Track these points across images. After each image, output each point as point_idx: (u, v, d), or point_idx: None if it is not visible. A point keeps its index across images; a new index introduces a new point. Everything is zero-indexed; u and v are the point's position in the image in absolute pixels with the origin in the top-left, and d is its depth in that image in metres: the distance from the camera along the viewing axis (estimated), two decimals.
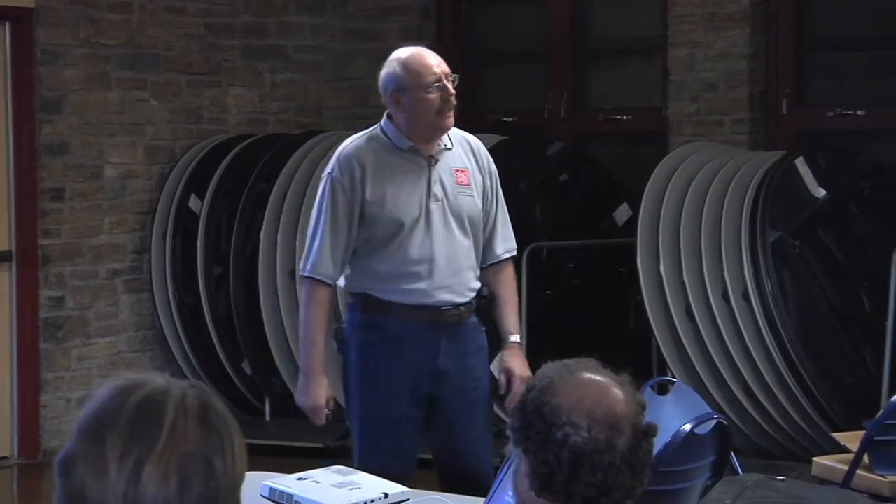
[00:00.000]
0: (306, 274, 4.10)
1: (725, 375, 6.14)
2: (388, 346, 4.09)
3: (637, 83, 7.73)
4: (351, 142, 4.16)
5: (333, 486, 3.38)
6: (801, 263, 6.28)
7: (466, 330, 4.16)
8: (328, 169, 4.13)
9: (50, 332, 6.99)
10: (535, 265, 6.70)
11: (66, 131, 6.99)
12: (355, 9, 7.96)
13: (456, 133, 4.20)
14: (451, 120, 4.10)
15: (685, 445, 3.46)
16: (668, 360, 6.26)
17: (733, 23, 6.96)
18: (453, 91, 4.07)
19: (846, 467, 4.40)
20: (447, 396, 4.13)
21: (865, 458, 4.39)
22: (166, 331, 7.33)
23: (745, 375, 6.10)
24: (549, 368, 2.19)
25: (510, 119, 7.63)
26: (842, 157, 6.73)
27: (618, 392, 2.14)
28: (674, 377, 5.68)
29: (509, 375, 4.19)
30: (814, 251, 6.34)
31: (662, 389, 4.30)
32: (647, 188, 6.42)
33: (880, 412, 4.47)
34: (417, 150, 4.10)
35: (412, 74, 4.07)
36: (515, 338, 4.24)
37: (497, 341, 4.32)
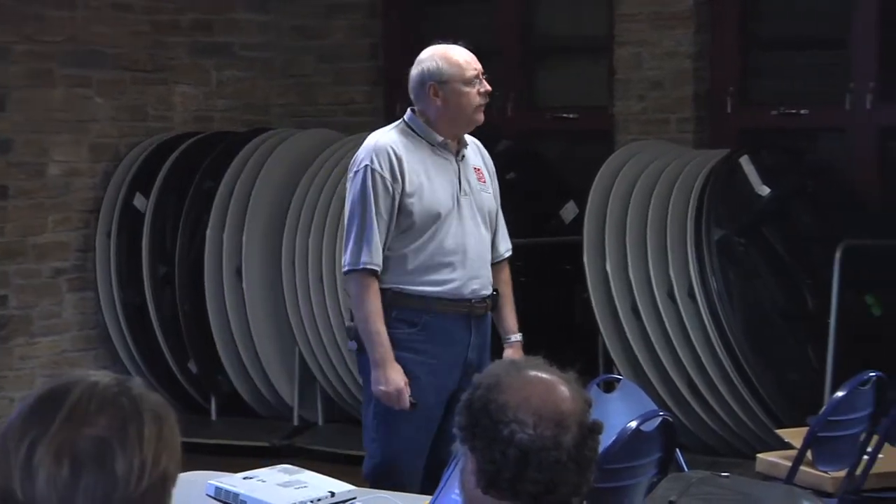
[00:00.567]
0: (359, 267, 4.09)
1: (671, 373, 6.17)
2: (422, 340, 4.15)
3: (584, 82, 7.75)
4: (382, 134, 4.22)
5: (279, 484, 3.37)
6: (745, 261, 6.32)
7: (487, 323, 4.31)
8: (363, 160, 4.15)
9: None
10: None
11: (9, 129, 6.92)
12: (302, 6, 7.93)
13: (466, 135, 4.32)
14: (483, 116, 4.25)
15: (631, 442, 3.48)
16: (614, 357, 6.28)
17: (678, 22, 7.00)
18: (490, 88, 4.23)
19: (790, 463, 4.44)
20: None
21: (809, 455, 4.43)
22: (111, 330, 7.28)
23: (691, 373, 6.14)
24: (497, 366, 2.20)
25: None
26: (786, 156, 6.78)
27: (564, 389, 2.15)
28: (620, 375, 5.71)
29: None
30: (758, 249, 6.39)
31: (609, 387, 4.33)
32: (593, 186, 6.45)
33: (823, 409, 4.51)
34: (447, 145, 4.21)
35: (455, 67, 4.19)
36: (518, 336, 4.40)
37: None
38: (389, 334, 4.14)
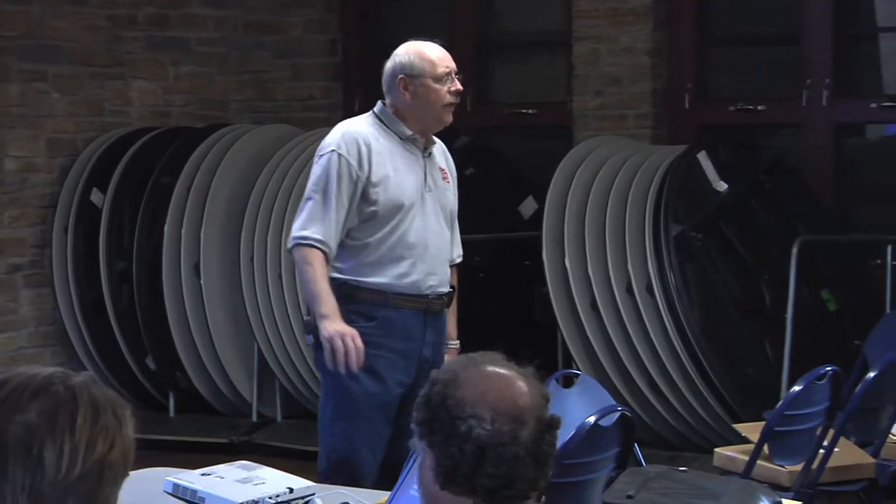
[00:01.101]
0: (306, 242, 4.06)
1: (629, 368, 6.20)
2: (379, 334, 4.13)
3: (541, 78, 7.77)
4: (352, 122, 4.22)
5: (238, 481, 3.36)
6: (703, 256, 6.35)
7: (443, 321, 4.30)
8: (330, 145, 4.15)
9: None
10: None
11: None
12: (258, 1, 7.91)
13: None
14: (451, 116, 4.24)
15: (589, 437, 3.49)
16: (573, 352, 6.30)
17: (636, 18, 7.03)
18: (461, 87, 4.22)
19: (747, 458, 4.46)
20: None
21: (766, 449, 4.45)
22: (68, 326, 7.24)
23: (649, 368, 6.16)
24: (454, 362, 2.20)
25: None
26: (743, 152, 6.81)
27: (522, 384, 2.15)
28: (579, 370, 5.73)
29: None
30: (716, 244, 6.42)
31: (567, 382, 4.34)
32: (552, 182, 6.46)
33: (780, 403, 4.53)
34: (416, 139, 4.21)
35: (426, 63, 4.18)
36: (456, 343, 4.39)
37: None
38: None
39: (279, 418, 7.03)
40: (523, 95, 7.66)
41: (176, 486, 3.33)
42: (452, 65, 4.23)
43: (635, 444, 3.78)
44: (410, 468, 2.85)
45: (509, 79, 7.89)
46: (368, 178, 4.11)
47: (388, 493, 3.04)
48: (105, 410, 1.64)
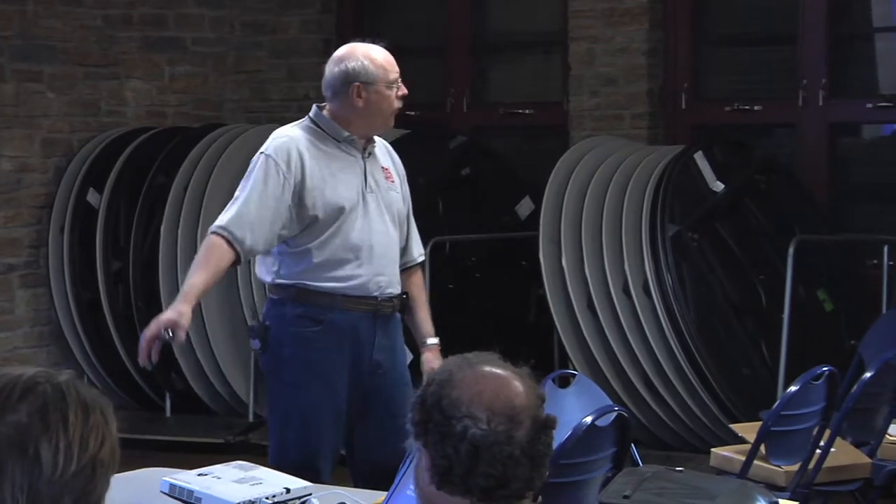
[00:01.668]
0: (219, 231, 4.03)
1: (626, 368, 6.20)
2: (327, 338, 4.08)
3: (537, 78, 7.77)
4: (286, 129, 4.18)
5: (235, 481, 3.36)
6: (699, 257, 6.35)
7: (395, 324, 4.23)
8: (263, 149, 4.11)
9: None
10: (437, 259, 6.70)
11: None
12: (254, 1, 7.91)
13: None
14: (394, 120, 4.20)
15: (586, 437, 3.49)
16: (569, 352, 6.30)
17: (632, 18, 7.03)
18: (406, 91, 4.17)
19: (743, 458, 4.46)
20: (384, 390, 4.14)
21: (762, 449, 4.46)
22: (64, 326, 7.23)
23: (646, 368, 6.16)
24: (450, 362, 2.20)
25: (413, 113, 7.61)
26: (739, 152, 6.81)
27: (517, 384, 2.15)
28: (575, 370, 5.72)
29: None
30: (712, 245, 6.42)
31: (564, 382, 4.34)
32: (549, 182, 6.46)
33: (776, 403, 4.54)
34: (353, 140, 4.15)
35: (380, 70, 4.13)
36: (435, 340, 4.32)
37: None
38: (295, 332, 4.08)
39: None
40: (519, 95, 7.66)
41: (172, 486, 3.33)
42: (398, 69, 4.18)
43: (632, 445, 3.78)
44: (407, 468, 2.85)
45: (505, 79, 7.90)
46: (303, 183, 4.05)
47: (385, 493, 3.04)
48: (94, 409, 1.65)
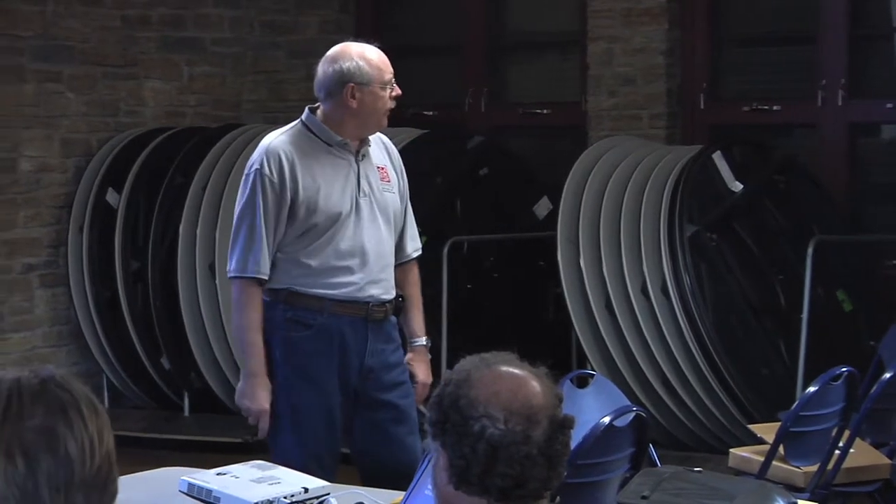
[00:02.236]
0: (240, 274, 4.02)
1: (644, 368, 6.19)
2: (317, 342, 4.05)
3: (555, 77, 7.77)
4: (275, 136, 4.10)
5: (253, 480, 3.36)
6: (717, 257, 6.34)
7: (388, 328, 4.17)
8: (253, 164, 4.05)
9: None
10: (455, 259, 6.71)
11: None
12: (273, 1, 7.92)
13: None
14: (387, 121, 4.13)
15: (604, 438, 3.48)
16: (587, 353, 6.29)
17: (650, 18, 7.02)
18: (399, 92, 4.10)
19: (762, 458, 4.46)
20: (374, 393, 4.12)
21: (781, 450, 4.45)
22: (83, 326, 7.25)
23: (664, 368, 6.16)
24: (467, 362, 2.20)
25: (430, 113, 7.64)
26: (757, 152, 6.80)
27: (534, 384, 2.15)
28: (593, 370, 5.72)
29: (413, 380, 4.21)
30: (730, 245, 6.41)
31: (582, 382, 4.33)
32: (567, 182, 6.46)
33: (795, 404, 4.52)
34: (346, 144, 4.08)
35: (375, 70, 4.06)
36: (422, 341, 4.27)
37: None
38: (285, 336, 4.06)
39: None
40: (537, 95, 7.66)
41: (191, 485, 3.33)
42: (391, 69, 4.12)
43: (650, 445, 3.77)
44: (425, 468, 2.85)
45: (523, 79, 7.89)
46: (296, 193, 4.00)
47: (403, 493, 3.05)
48: (95, 402, 1.67)
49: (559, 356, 6.51)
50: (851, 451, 4.54)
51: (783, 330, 6.33)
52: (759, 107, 7.03)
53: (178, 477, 3.38)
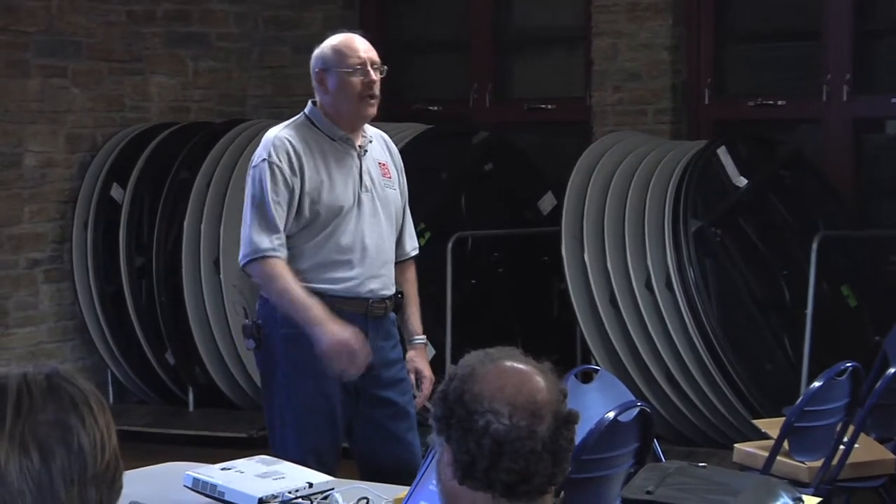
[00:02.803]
0: (252, 256, 3.96)
1: (648, 363, 6.19)
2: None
3: (560, 73, 7.76)
4: (280, 129, 4.10)
5: (257, 475, 3.36)
6: (722, 252, 6.34)
7: (388, 324, 4.16)
8: (261, 155, 4.04)
9: None
10: (459, 254, 6.71)
11: None
12: None
13: (373, 129, 4.20)
14: (373, 109, 4.09)
15: (608, 433, 3.48)
16: (591, 348, 6.29)
17: (655, 13, 7.02)
18: (375, 78, 4.05)
19: (766, 454, 4.46)
20: (374, 390, 4.12)
21: (785, 445, 4.45)
22: (88, 321, 7.26)
23: (668, 363, 6.16)
24: (471, 357, 2.20)
25: (435, 108, 7.64)
26: (762, 147, 6.80)
27: (539, 379, 2.15)
28: (597, 365, 5.73)
29: (419, 376, 4.20)
30: (735, 240, 6.41)
31: (586, 377, 4.33)
32: (571, 177, 6.46)
33: (799, 399, 4.52)
34: (348, 139, 4.08)
35: (337, 55, 4.06)
36: (422, 339, 4.26)
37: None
38: (285, 333, 4.03)
39: None
40: (542, 91, 7.66)
41: (196, 480, 3.33)
42: (369, 55, 4.06)
43: (654, 440, 3.77)
44: (429, 463, 2.86)
45: (528, 74, 7.89)
46: (302, 184, 4.00)
47: (407, 487, 3.05)
48: (100, 397, 1.67)
49: (563, 351, 6.50)
50: (856, 446, 4.53)
51: (788, 325, 6.32)
52: (764, 102, 7.02)
53: (182, 472, 3.38)
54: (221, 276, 6.83)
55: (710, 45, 7.15)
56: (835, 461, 4.48)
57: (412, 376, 4.20)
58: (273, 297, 4.02)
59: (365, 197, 4.08)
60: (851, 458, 4.52)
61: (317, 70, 4.07)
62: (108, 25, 7.37)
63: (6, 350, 7.04)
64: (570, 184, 6.44)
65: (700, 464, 3.42)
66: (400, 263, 4.23)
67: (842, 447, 4.49)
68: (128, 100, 7.51)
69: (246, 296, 6.44)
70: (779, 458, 4.43)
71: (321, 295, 4.03)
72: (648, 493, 3.18)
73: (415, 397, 4.21)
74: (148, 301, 7.11)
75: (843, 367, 4.40)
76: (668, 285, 6.14)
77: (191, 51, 7.73)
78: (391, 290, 4.14)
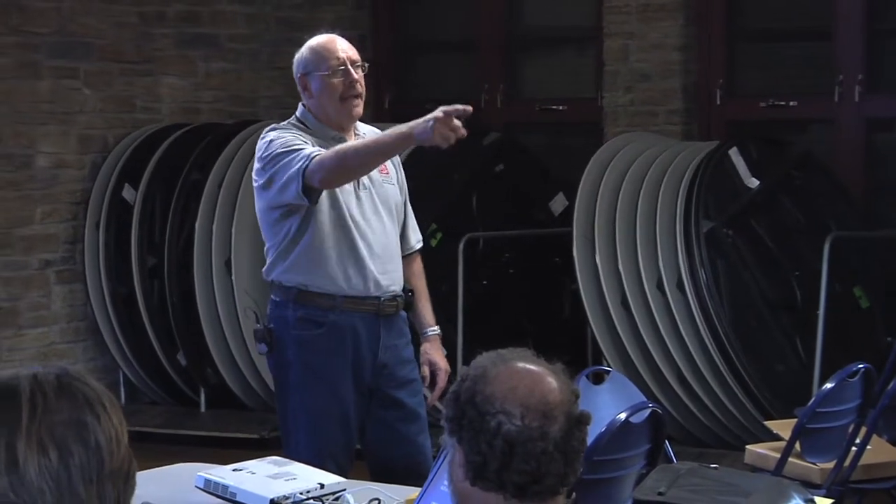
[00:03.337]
0: (306, 164, 3.82)
1: (660, 364, 6.18)
2: (329, 340, 4.03)
3: (571, 73, 7.76)
4: (278, 128, 4.08)
5: (269, 476, 3.36)
6: (734, 253, 6.33)
7: (399, 322, 4.16)
8: (268, 129, 4.03)
9: None
10: (470, 255, 6.71)
11: None
12: None
13: (365, 127, 4.18)
14: (359, 108, 4.07)
15: (620, 434, 3.48)
16: (603, 349, 6.29)
17: (666, 14, 7.01)
18: (357, 77, 4.04)
19: (778, 455, 4.45)
20: (387, 389, 4.12)
21: (797, 446, 4.44)
22: (99, 322, 7.27)
23: (680, 364, 6.15)
24: (483, 358, 2.20)
25: None
26: (774, 148, 6.79)
27: (551, 380, 2.15)
28: (609, 366, 5.72)
29: (433, 368, 4.19)
30: (746, 241, 6.40)
31: (598, 379, 4.33)
32: (582, 178, 6.45)
33: (811, 400, 4.52)
34: (341, 139, 4.06)
35: (317, 58, 4.05)
36: (435, 329, 4.25)
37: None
38: (297, 336, 4.02)
39: None
40: (553, 91, 7.65)
41: (207, 481, 3.34)
42: (348, 55, 4.03)
43: (666, 441, 3.77)
44: (441, 464, 2.86)
45: (539, 75, 7.89)
46: None
47: (419, 489, 3.05)
48: (113, 398, 1.68)
49: (575, 352, 6.50)
50: (868, 447, 4.53)
51: (799, 326, 6.31)
52: (776, 102, 7.01)
53: (194, 473, 3.38)
54: (233, 276, 6.83)
55: (721, 46, 7.14)
56: (847, 462, 4.47)
57: (426, 368, 4.19)
58: (354, 163, 3.86)
59: (364, 194, 4.07)
60: (863, 460, 4.51)
61: (299, 75, 4.08)
62: (119, 27, 7.38)
63: (18, 351, 7.05)
64: (581, 185, 6.43)
65: (711, 465, 3.42)
66: (406, 257, 4.23)
67: (854, 448, 4.48)
68: (139, 101, 7.52)
69: (257, 300, 6.45)
70: (791, 459, 4.43)
71: (332, 296, 4.03)
72: (660, 494, 3.18)
73: (426, 398, 4.21)
74: (160, 302, 7.12)
75: (855, 369, 4.39)
76: (680, 286, 6.14)
77: (201, 52, 7.74)
78: (400, 286, 4.14)
